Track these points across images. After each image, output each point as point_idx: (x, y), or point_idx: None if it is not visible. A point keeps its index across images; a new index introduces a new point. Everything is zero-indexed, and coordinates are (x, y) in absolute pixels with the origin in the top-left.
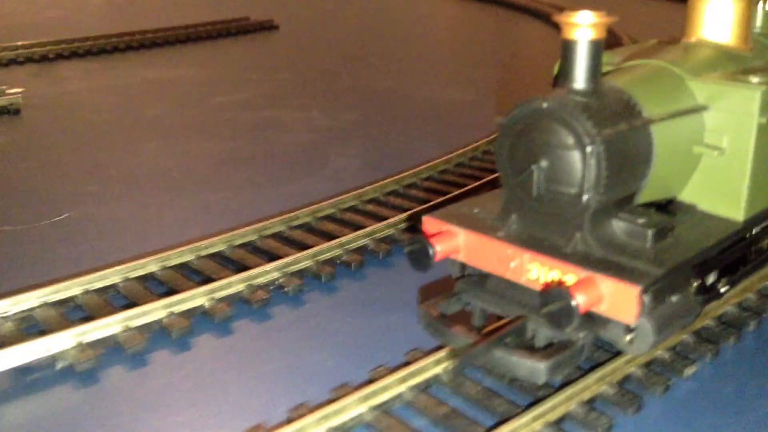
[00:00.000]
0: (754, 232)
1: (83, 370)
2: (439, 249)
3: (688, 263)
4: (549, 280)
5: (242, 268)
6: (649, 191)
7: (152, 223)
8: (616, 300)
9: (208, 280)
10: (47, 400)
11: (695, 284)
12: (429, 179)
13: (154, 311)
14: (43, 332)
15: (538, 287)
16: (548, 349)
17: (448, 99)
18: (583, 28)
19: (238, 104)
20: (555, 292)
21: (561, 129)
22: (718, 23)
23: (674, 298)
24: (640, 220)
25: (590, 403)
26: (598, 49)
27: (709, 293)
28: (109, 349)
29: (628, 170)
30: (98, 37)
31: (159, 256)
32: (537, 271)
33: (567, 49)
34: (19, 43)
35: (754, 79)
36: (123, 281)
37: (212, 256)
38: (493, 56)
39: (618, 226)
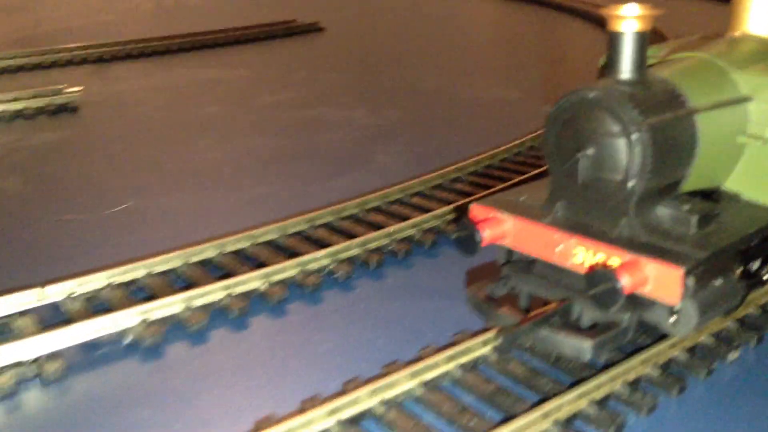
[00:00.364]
0: None
1: (148, 346)
2: (487, 235)
3: (731, 249)
4: (594, 263)
5: (294, 254)
6: (693, 180)
7: (207, 213)
8: (660, 282)
9: (263, 265)
10: (114, 374)
11: (739, 270)
12: (473, 174)
13: (214, 292)
14: (109, 310)
15: (583, 271)
16: (593, 330)
17: (492, 97)
18: (629, 20)
19: (286, 103)
20: (601, 274)
21: (607, 117)
22: (762, 17)
23: (718, 282)
24: (685, 207)
25: (634, 383)
26: (643, 40)
27: (753, 279)
28: (172, 326)
29: (672, 158)
30: (151, 39)
31: (216, 242)
32: (583, 255)
33: (614, 40)
34: (75, 45)
35: None
36: (183, 265)
37: (266, 244)
38: (536, 56)
39: (662, 212)
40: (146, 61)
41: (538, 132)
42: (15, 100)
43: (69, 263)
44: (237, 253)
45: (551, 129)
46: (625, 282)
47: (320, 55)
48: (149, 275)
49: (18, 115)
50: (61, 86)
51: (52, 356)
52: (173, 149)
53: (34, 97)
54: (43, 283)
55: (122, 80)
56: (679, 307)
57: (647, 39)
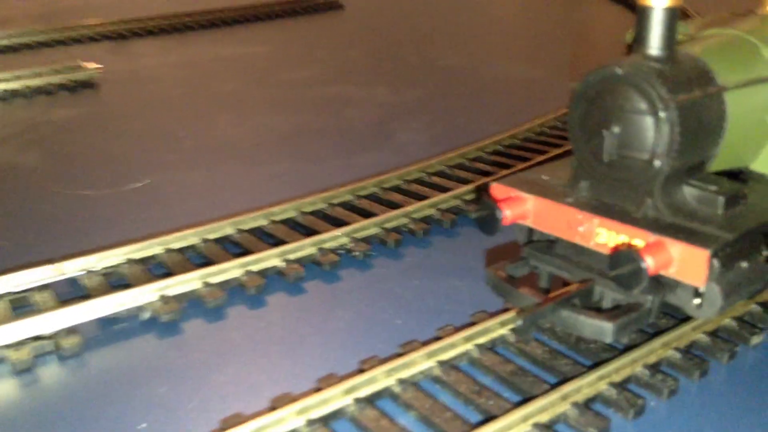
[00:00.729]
0: None
1: (166, 322)
2: (508, 214)
3: (759, 231)
4: (618, 243)
5: (312, 232)
6: (721, 159)
7: (226, 190)
8: (685, 263)
9: (281, 242)
10: (132, 349)
11: (766, 253)
12: (495, 153)
13: (232, 269)
14: (128, 286)
15: (606, 251)
16: (615, 311)
17: (515, 76)
18: None
19: (306, 80)
20: (625, 254)
21: (635, 94)
22: None
23: (744, 265)
24: (712, 187)
25: (655, 366)
26: (673, 16)
27: None
28: (190, 302)
29: (700, 137)
30: (170, 15)
31: (234, 219)
32: (606, 235)
33: (643, 15)
34: (95, 21)
35: None
36: (201, 242)
37: (284, 222)
38: (559, 34)
39: (689, 192)
40: (165, 38)
41: (561, 110)
42: (36, 75)
43: (87, 238)
44: (254, 231)
45: (577, 106)
46: (650, 263)
47: (340, 32)
48: (167, 252)
49: (39, 90)
50: (80, 62)
51: (70, 331)
52: (192, 125)
53: (55, 73)
54: (61, 259)
55: (141, 56)
56: (704, 290)
57: (677, 14)
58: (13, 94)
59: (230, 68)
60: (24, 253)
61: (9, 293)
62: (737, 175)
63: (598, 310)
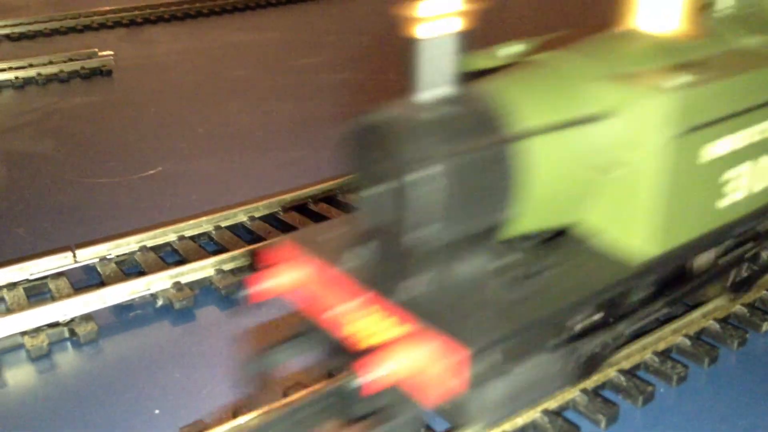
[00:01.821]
0: (660, 273)
1: (180, 308)
2: (260, 288)
3: (546, 321)
4: (352, 333)
5: (324, 220)
6: (528, 220)
7: (238, 177)
8: (442, 365)
9: (293, 229)
10: (146, 336)
11: (560, 349)
12: None
13: (244, 257)
14: (142, 273)
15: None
16: (365, 421)
17: None
18: (432, 21)
19: (317, 67)
20: (344, 363)
21: (397, 148)
22: (658, 6)
23: (523, 367)
24: (498, 261)
25: (665, 353)
26: (454, 47)
27: (587, 363)
28: (204, 289)
29: (483, 198)
30: (182, 2)
31: (246, 207)
32: (357, 321)
33: (412, 48)
34: (108, 8)
35: (673, 80)
36: (215, 229)
37: (297, 208)
38: (566, 14)
39: (467, 267)
40: (178, 25)
41: None
42: (50, 63)
43: (101, 226)
44: (267, 218)
45: (350, 156)
46: (370, 377)
47: (351, 18)
48: (180, 239)
49: (52, 78)
50: (94, 50)
51: (86, 318)
52: (205, 113)
53: (69, 60)
54: (76, 246)
55: (154, 43)
56: (461, 399)
57: (462, 44)
58: (28, 81)
59: (241, 54)
60: (40, 240)
61: (25, 280)
62: (554, 237)
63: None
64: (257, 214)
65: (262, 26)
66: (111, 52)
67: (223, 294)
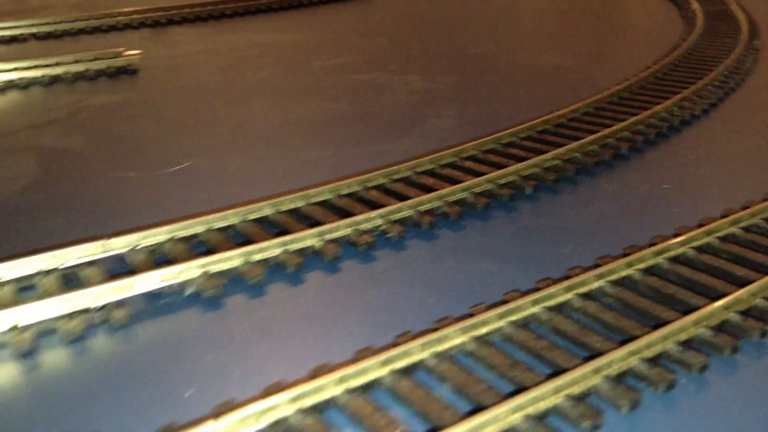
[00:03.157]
0: None
1: (208, 297)
2: None
3: None
4: None
5: (348, 214)
6: None
7: (263, 174)
8: None
9: (318, 223)
10: (177, 322)
11: None
12: (528, 138)
13: (271, 248)
14: (171, 263)
15: None
16: None
17: (546, 64)
18: None
19: (338, 67)
20: None
21: None
22: None
23: None
24: None
25: (687, 344)
26: None
27: None
28: (231, 279)
29: None
30: (205, 3)
31: (272, 201)
32: None
33: None
34: (133, 8)
35: None
36: (241, 222)
37: (320, 204)
38: (591, 23)
39: None
40: (201, 25)
41: (595, 97)
42: (77, 62)
43: (130, 219)
44: (293, 212)
45: None
46: None
47: (371, 20)
48: (209, 230)
49: (79, 76)
50: (120, 49)
51: (119, 304)
52: (229, 111)
53: (95, 59)
54: (108, 236)
55: (179, 44)
56: None
57: None
58: (55, 79)
59: (264, 55)
60: (71, 230)
61: (59, 268)
62: None
63: None
64: (282, 208)
65: (284, 28)
66: (138, 51)
67: (251, 284)
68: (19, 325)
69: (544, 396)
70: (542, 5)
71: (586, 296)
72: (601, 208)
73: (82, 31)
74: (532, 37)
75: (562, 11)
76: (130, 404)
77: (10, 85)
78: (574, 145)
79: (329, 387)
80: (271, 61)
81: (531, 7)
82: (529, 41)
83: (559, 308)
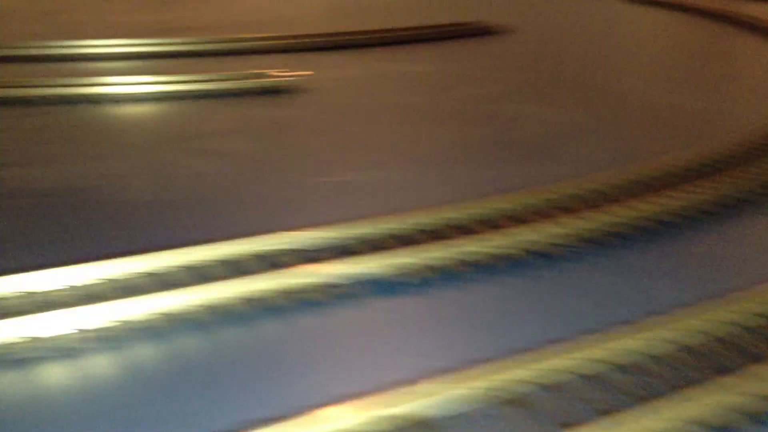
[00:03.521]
0: None
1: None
2: None
3: None
4: None
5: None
6: None
7: (422, 188)
8: None
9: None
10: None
11: None
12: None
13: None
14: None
15: None
16: None
17: (672, 104)
18: None
19: (474, 98)
20: None
21: None
22: None
23: None
24: None
25: None
26: None
27: None
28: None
29: None
30: (338, 33)
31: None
32: None
33: None
34: (267, 35)
35: None
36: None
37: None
38: (712, 69)
39: None
40: (339, 54)
41: (731, 139)
42: (243, 78)
43: (311, 216)
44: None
45: None
46: None
47: (508, 55)
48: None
49: (247, 92)
50: (281, 70)
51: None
52: (384, 130)
53: (256, 78)
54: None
55: (323, 69)
56: None
57: None
58: (225, 93)
59: (401, 84)
60: (253, 223)
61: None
62: None
63: None
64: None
65: (416, 60)
66: (308, 72)
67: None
68: None
69: None
70: (669, 51)
71: None
72: None
73: (230, 53)
74: (659, 78)
75: (685, 56)
76: None
77: (186, 95)
78: (713, 181)
79: None
80: (413, 89)
81: (658, 51)
82: (663, 83)
83: None
